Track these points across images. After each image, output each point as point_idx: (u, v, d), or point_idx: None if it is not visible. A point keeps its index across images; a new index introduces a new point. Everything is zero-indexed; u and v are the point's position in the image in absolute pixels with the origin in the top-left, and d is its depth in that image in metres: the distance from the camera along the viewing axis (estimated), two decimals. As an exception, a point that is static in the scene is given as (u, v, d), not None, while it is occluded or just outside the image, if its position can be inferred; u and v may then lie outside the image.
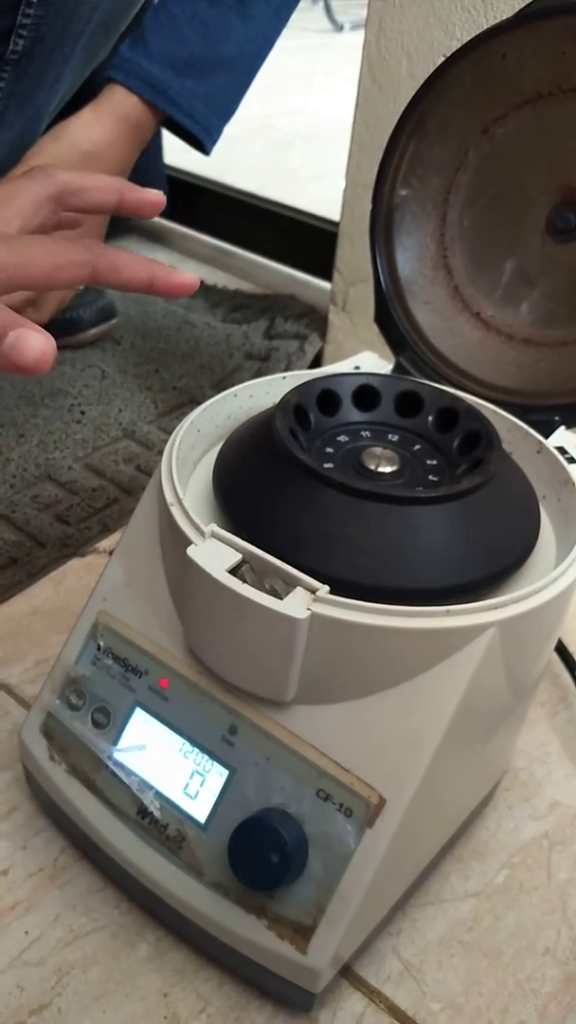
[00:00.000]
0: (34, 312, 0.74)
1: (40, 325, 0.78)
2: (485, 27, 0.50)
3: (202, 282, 1.16)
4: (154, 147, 0.90)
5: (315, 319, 1.05)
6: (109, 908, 0.47)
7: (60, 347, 0.94)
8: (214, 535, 0.39)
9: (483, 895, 0.50)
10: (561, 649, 0.61)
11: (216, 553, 0.38)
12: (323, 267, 1.02)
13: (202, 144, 0.79)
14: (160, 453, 0.86)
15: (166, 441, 0.46)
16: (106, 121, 0.73)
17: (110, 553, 0.47)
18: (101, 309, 0.96)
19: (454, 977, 0.46)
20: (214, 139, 0.79)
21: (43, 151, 0.72)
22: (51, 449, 0.81)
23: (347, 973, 0.45)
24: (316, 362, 1.00)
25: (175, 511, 0.41)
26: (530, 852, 0.52)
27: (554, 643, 0.46)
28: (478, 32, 0.50)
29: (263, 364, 0.97)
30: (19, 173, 0.44)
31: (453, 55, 0.51)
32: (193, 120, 0.76)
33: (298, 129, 1.99)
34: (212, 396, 0.48)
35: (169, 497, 0.41)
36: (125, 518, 0.73)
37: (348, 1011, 0.44)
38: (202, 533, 0.39)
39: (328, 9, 3.25)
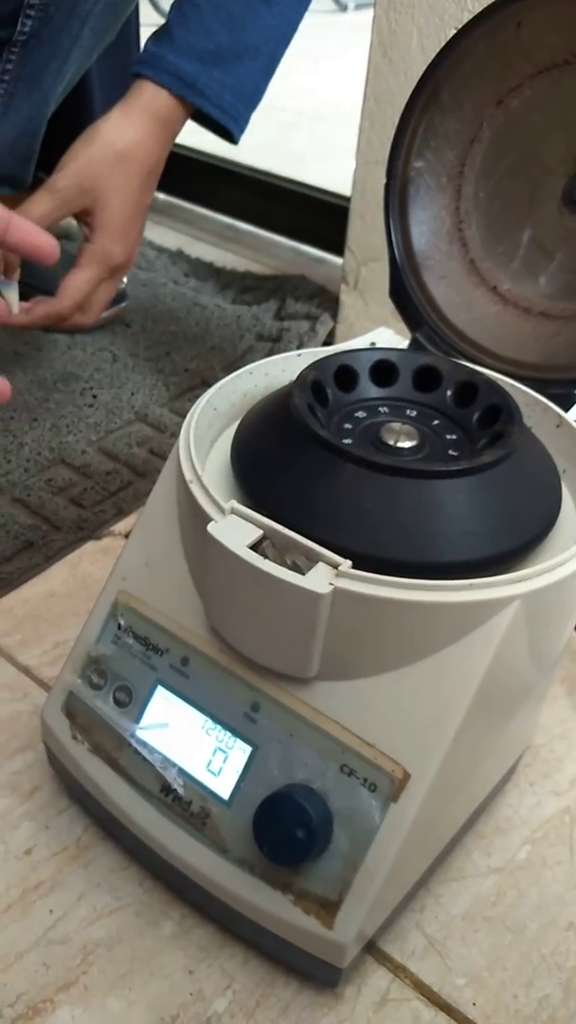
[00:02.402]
0: (81, 315, 0.74)
1: (86, 325, 0.76)
2: (499, -5, 0.49)
3: (211, 264, 1.15)
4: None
5: (326, 299, 1.04)
6: (133, 886, 0.47)
7: (70, 331, 0.93)
8: (234, 511, 0.39)
9: (506, 871, 0.50)
10: (580, 626, 0.61)
11: (237, 529, 0.38)
12: (335, 243, 1.01)
13: (231, 134, 0.78)
14: (173, 436, 0.86)
15: (179, 424, 0.46)
16: (137, 119, 0.73)
17: (126, 535, 0.47)
18: None
19: (478, 952, 0.46)
20: (242, 128, 0.78)
21: (77, 155, 0.71)
22: (64, 433, 0.81)
23: (372, 949, 0.45)
24: (328, 343, 0.99)
25: (194, 488, 0.40)
26: (552, 827, 0.52)
27: (576, 617, 0.46)
28: (491, 1, 0.49)
29: (275, 345, 0.97)
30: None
31: (466, 25, 0.50)
32: (222, 111, 0.75)
33: (305, 110, 1.97)
34: (224, 378, 0.48)
35: (188, 474, 0.41)
36: (140, 500, 0.73)
37: (373, 986, 0.44)
38: (222, 510, 0.39)
39: (333, -11, 3.22)
